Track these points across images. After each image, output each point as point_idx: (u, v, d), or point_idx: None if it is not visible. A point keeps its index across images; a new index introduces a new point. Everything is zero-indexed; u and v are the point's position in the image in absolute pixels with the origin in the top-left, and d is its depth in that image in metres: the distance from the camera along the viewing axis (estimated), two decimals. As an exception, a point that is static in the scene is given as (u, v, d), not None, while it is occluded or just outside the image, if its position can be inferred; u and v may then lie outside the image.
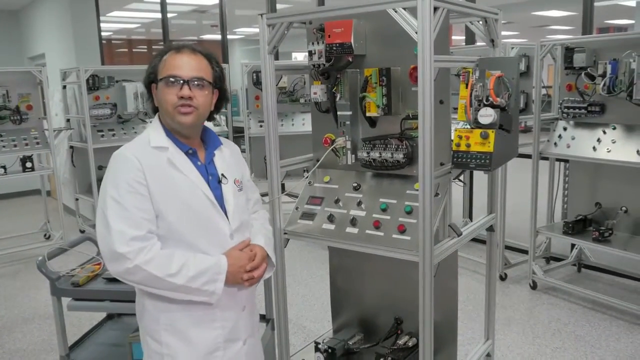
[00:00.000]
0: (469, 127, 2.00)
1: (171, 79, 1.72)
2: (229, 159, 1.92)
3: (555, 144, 4.35)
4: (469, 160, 1.97)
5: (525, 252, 4.96)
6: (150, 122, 1.91)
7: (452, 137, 2.10)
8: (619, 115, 4.02)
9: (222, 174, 1.86)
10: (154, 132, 1.80)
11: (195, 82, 1.75)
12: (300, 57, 13.73)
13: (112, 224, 1.65)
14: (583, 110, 4.17)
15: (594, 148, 4.08)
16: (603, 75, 3.94)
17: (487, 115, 1.91)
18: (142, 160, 1.70)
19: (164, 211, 1.71)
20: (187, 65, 1.75)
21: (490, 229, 2.47)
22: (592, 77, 4.07)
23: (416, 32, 1.79)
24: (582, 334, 3.82)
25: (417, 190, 2.04)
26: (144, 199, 1.68)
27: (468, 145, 1.96)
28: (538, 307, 4.28)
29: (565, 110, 4.27)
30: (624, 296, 4.29)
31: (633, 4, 9.95)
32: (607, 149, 3.99)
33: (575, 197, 4.74)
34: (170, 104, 1.73)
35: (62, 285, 2.49)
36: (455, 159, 2.01)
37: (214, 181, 1.84)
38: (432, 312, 1.98)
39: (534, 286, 4.61)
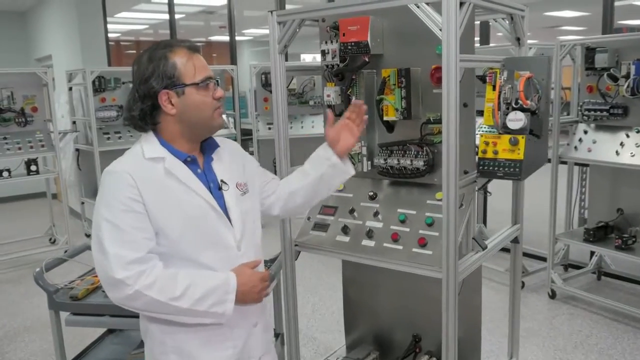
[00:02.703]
0: (496, 132, 1.85)
1: (209, 82, 1.63)
2: (228, 161, 1.78)
3: (575, 147, 4.18)
4: (496, 168, 1.82)
5: (542, 258, 4.80)
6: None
7: (477, 143, 1.95)
8: (643, 118, 3.85)
9: (222, 180, 1.72)
10: (147, 144, 1.65)
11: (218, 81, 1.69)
12: (308, 59, 13.61)
13: (108, 247, 1.52)
14: (605, 113, 3.99)
15: (617, 152, 3.90)
16: (626, 77, 3.77)
17: (517, 120, 1.76)
18: (134, 175, 1.56)
19: (165, 227, 1.58)
20: (206, 64, 1.66)
21: (515, 240, 2.32)
22: (614, 79, 3.89)
23: (440, 29, 1.65)
24: (605, 346, 3.65)
25: (439, 200, 1.90)
26: (140, 217, 1.55)
27: (495, 152, 1.82)
28: (558, 318, 4.10)
29: (586, 112, 4.09)
30: (648, 306, 4.11)
31: (649, 3, 9.74)
32: (631, 153, 3.82)
33: (595, 203, 4.57)
34: (210, 107, 1.64)
35: (60, 299, 2.36)
36: (481, 167, 1.86)
37: (215, 188, 1.70)
38: (456, 333, 1.83)
39: (552, 295, 4.44)
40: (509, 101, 1.80)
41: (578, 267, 4.87)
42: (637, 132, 3.85)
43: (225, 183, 1.71)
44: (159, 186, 1.59)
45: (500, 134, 1.82)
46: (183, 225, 1.60)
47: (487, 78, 1.83)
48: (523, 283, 4.67)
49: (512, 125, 1.77)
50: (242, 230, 1.71)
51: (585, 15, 12.05)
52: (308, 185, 1.89)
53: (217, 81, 1.67)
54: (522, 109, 1.78)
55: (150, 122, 1.64)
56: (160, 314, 1.58)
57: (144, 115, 1.62)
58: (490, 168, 1.83)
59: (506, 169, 1.80)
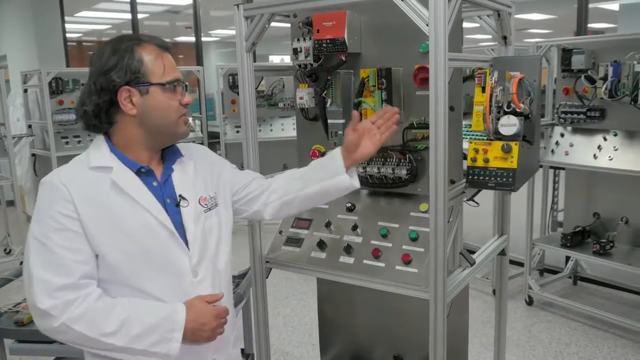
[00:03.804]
0: (485, 138, 1.69)
1: (177, 84, 1.47)
2: (192, 173, 1.57)
3: (552, 151, 4.08)
4: (487, 178, 1.66)
5: (517, 263, 4.70)
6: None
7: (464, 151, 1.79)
8: (620, 121, 3.76)
9: (180, 195, 1.50)
10: (94, 151, 1.46)
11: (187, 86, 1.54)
12: (277, 60, 13.40)
13: (34, 271, 1.33)
14: (582, 116, 3.91)
15: (595, 156, 3.82)
16: (604, 79, 3.69)
17: (510, 125, 1.60)
18: (72, 188, 1.37)
19: (104, 249, 1.38)
20: (175, 65, 1.50)
21: (502, 253, 2.17)
22: (592, 80, 3.81)
23: (427, 25, 1.48)
24: (585, 355, 3.55)
25: (423, 212, 1.74)
26: (75, 237, 1.36)
27: (486, 160, 1.66)
28: (536, 326, 4.00)
29: (563, 115, 4.01)
30: (625, 312, 4.03)
31: (616, 7, 9.86)
32: (609, 156, 3.74)
33: (572, 207, 4.49)
34: (176, 112, 1.47)
35: (4, 324, 2.12)
36: (470, 177, 1.70)
37: (172, 205, 1.49)
38: (445, 358, 1.66)
39: (529, 302, 4.34)
40: (500, 104, 1.64)
41: (554, 272, 4.80)
42: (615, 135, 3.78)
43: (184, 199, 1.50)
44: (101, 201, 1.39)
45: (491, 140, 1.66)
46: (126, 247, 1.40)
47: (476, 79, 1.68)
48: (495, 291, 4.57)
49: (505, 130, 1.61)
50: (201, 253, 1.49)
51: (551, 18, 12.17)
52: (307, 195, 1.68)
53: (186, 85, 1.52)
54: (515, 113, 1.63)
55: (105, 121, 1.44)
56: (96, 351, 1.38)
57: (98, 111, 1.42)
58: (481, 178, 1.67)
59: (498, 179, 1.64)
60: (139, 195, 1.42)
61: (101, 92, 1.41)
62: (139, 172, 1.45)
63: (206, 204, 1.55)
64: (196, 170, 1.57)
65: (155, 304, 1.41)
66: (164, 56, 1.46)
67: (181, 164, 1.55)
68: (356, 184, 1.67)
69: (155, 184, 1.48)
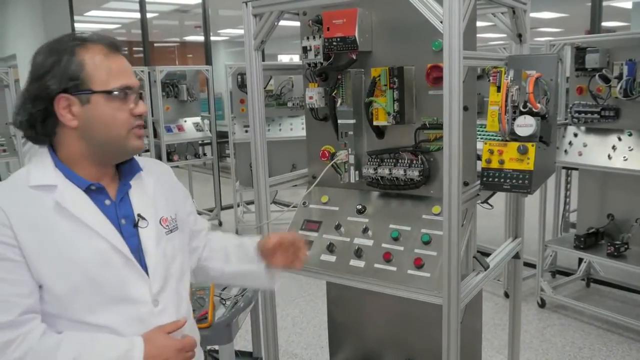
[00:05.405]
0: (500, 139, 1.64)
1: (127, 92, 1.28)
2: (152, 189, 1.41)
3: (565, 151, 4.01)
4: (502, 180, 1.61)
5: (530, 265, 4.64)
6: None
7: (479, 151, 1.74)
8: (635, 121, 3.69)
9: (139, 215, 1.35)
10: (36, 166, 1.28)
11: (142, 93, 1.36)
12: (286, 59, 13.38)
13: None
14: (596, 115, 3.83)
15: (609, 156, 3.75)
16: (619, 78, 3.62)
17: (526, 125, 1.55)
18: (9, 211, 1.20)
19: (50, 281, 1.22)
20: (129, 69, 1.31)
21: (516, 256, 2.12)
22: (606, 79, 3.74)
23: (441, 22, 1.44)
24: (599, 359, 3.48)
25: (436, 214, 1.69)
26: (14, 267, 1.19)
27: (501, 162, 1.61)
28: (549, 329, 3.94)
29: (576, 115, 3.94)
30: (640, 315, 3.96)
31: (629, 5, 9.74)
32: (624, 157, 3.66)
33: (585, 208, 4.41)
34: (124, 125, 1.28)
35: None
36: (485, 179, 1.65)
37: (129, 226, 1.33)
38: (458, 365, 1.62)
39: (542, 304, 4.27)
40: (516, 104, 1.59)
41: (566, 274, 4.72)
42: (630, 135, 3.70)
43: (143, 218, 1.34)
44: (45, 225, 1.23)
45: (506, 141, 1.61)
46: (75, 278, 1.23)
47: (491, 78, 1.62)
48: (507, 293, 4.50)
49: (521, 131, 1.56)
50: (164, 279, 1.35)
51: (562, 17, 12.06)
52: (226, 275, 1.61)
53: (141, 93, 1.35)
54: (531, 113, 1.58)
55: (42, 133, 1.27)
56: None
57: (33, 122, 1.26)
58: (496, 180, 1.62)
59: (514, 181, 1.59)
60: (87, 216, 1.26)
61: (35, 101, 1.24)
62: (88, 190, 1.29)
63: (167, 226, 1.40)
64: (156, 188, 1.42)
65: (108, 339, 1.25)
66: (112, 59, 1.28)
67: (139, 180, 1.39)
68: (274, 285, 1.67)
69: (108, 202, 1.32)
